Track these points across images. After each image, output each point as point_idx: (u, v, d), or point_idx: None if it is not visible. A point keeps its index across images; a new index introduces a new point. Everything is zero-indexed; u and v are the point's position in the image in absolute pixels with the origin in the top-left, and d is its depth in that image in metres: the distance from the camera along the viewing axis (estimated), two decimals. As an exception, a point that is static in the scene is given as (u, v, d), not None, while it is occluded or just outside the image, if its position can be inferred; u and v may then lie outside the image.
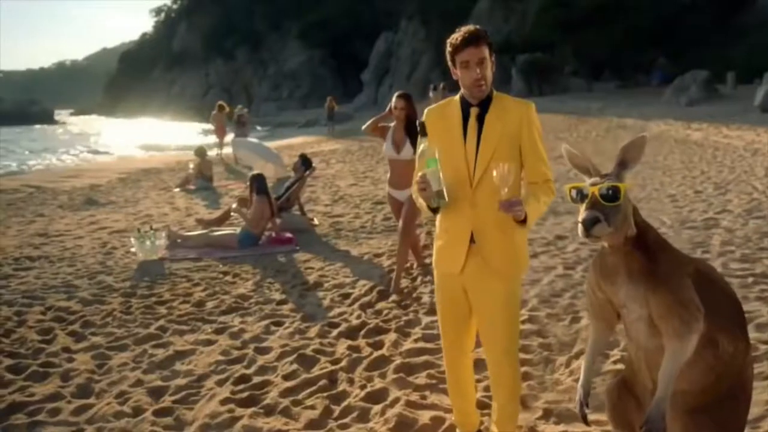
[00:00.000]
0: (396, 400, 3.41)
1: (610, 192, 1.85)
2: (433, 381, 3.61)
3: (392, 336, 4.35)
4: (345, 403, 3.45)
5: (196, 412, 3.48)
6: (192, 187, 12.69)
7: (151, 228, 7.35)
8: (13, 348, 4.56)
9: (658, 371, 1.91)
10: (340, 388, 3.65)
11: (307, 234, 7.81)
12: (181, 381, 3.88)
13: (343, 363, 3.96)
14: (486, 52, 2.45)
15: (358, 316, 4.75)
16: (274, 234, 7.41)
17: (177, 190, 12.75)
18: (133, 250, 7.06)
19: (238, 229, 7.39)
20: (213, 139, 20.80)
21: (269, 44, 63.81)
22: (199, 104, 65.10)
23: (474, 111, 2.52)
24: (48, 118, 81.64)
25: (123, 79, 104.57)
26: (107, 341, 4.61)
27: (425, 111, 2.69)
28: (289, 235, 7.45)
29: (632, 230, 1.92)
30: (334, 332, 4.50)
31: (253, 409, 3.45)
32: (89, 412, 3.56)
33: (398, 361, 3.94)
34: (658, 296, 1.88)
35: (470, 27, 2.47)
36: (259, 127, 39.42)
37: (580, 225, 1.84)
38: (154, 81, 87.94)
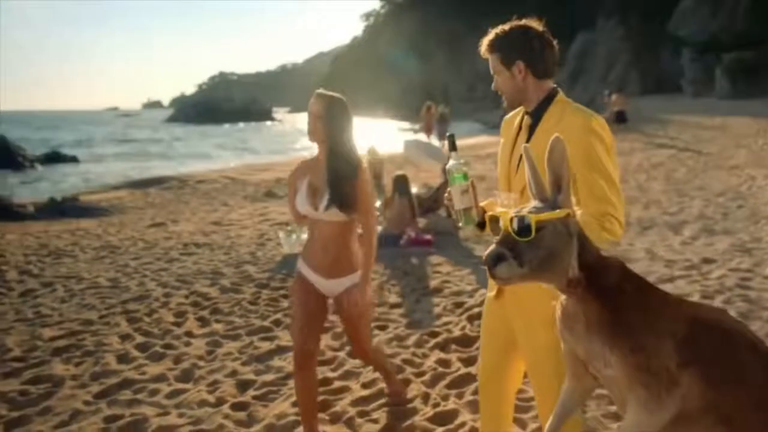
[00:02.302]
0: (461, 425, 3.13)
1: (522, 223, 1.42)
2: (509, 409, 3.25)
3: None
4: (409, 421, 3.24)
5: (269, 410, 3.50)
6: (362, 183, 13.07)
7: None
8: (149, 327, 4.96)
9: None
10: (412, 404, 3.44)
11: (449, 237, 7.60)
12: (269, 377, 3.93)
13: (427, 377, 3.75)
14: (496, 62, 2.15)
15: (462, 328, 4.48)
16: (413, 235, 7.32)
17: (349, 186, 13.23)
18: (281, 242, 7.39)
19: (380, 228, 7.42)
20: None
21: (466, 45, 63.99)
22: (399, 104, 67.35)
23: (525, 121, 2.20)
24: (267, 116, 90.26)
25: (334, 80, 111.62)
26: (225, 329, 4.84)
27: (504, 119, 2.37)
28: (428, 237, 7.31)
29: (573, 271, 1.47)
30: (431, 342, 4.29)
31: (319, 414, 3.37)
32: (180, 397, 3.74)
33: (483, 381, 3.62)
34: (617, 356, 1.45)
35: (489, 33, 2.16)
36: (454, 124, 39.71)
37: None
38: (360, 82, 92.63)
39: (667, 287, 4.99)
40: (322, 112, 2.79)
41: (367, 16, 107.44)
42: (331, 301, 2.99)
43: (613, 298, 1.49)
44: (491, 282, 2.29)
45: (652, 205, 8.95)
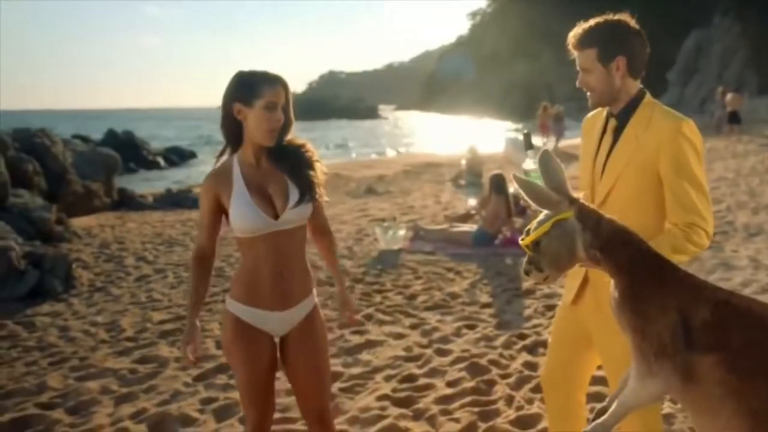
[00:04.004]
0: (543, 431, 3.06)
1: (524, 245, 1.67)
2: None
3: (579, 359, 3.91)
4: (491, 423, 3.21)
5: (354, 403, 3.57)
6: (462, 182, 13.05)
7: (394, 219, 7.73)
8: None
9: None
10: (496, 405, 3.41)
11: (547, 238, 7.43)
12: (356, 370, 4.01)
13: (512, 379, 3.70)
14: (591, 58, 2.01)
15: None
16: (509, 234, 7.20)
17: (449, 184, 13.24)
18: (378, 238, 7.49)
19: (475, 227, 7.36)
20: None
21: (575, 42, 61.92)
22: (502, 103, 66.35)
23: (611, 123, 2.10)
24: (372, 114, 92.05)
25: (438, 78, 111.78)
26: (318, 321, 4.98)
27: (584, 119, 2.29)
28: (524, 237, 7.18)
29: (583, 254, 1.63)
30: (519, 344, 4.22)
31: (403, 410, 3.42)
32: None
33: (570, 387, 3.53)
34: (625, 320, 1.57)
35: (580, 26, 2.04)
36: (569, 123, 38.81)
37: None
38: (463, 80, 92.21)
39: (780, 299, 4.64)
40: (285, 102, 2.16)
41: (474, 14, 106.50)
42: (276, 340, 2.29)
43: (628, 270, 1.60)
44: (568, 288, 2.25)
45: (761, 210, 8.34)
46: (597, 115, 2.20)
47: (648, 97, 2.06)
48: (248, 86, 2.11)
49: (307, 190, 2.20)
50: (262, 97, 2.09)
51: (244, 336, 2.22)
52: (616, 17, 2.05)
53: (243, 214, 2.14)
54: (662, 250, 1.74)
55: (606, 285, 2.02)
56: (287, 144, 2.23)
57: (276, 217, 2.16)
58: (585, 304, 2.16)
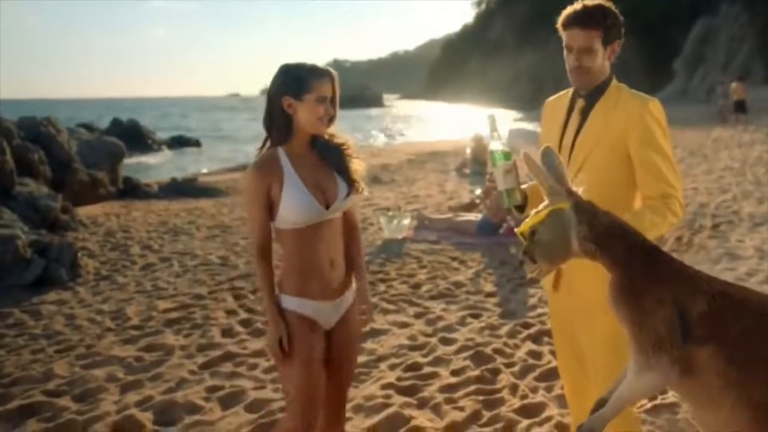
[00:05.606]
0: (548, 419, 3.08)
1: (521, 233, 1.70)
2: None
3: (584, 348, 3.92)
4: (495, 411, 3.23)
5: (359, 391, 3.58)
6: (467, 171, 13.03)
7: (399, 208, 7.73)
8: (252, 304, 5.21)
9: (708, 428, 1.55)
10: (500, 394, 3.42)
11: (552, 227, 7.43)
12: (361, 358, 3.99)
13: (516, 368, 3.72)
14: (595, 39, 2.00)
15: (557, 321, 4.39)
16: (513, 224, 7.19)
17: (453, 173, 13.22)
18: (383, 227, 7.50)
19: (480, 216, 7.36)
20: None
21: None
22: (508, 92, 66.03)
23: (579, 103, 2.12)
24: (378, 102, 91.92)
25: (443, 67, 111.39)
26: (323, 310, 4.99)
27: (546, 102, 2.32)
28: (529, 226, 7.17)
29: (577, 246, 1.64)
30: (524, 333, 4.23)
31: (407, 398, 3.43)
32: (276, 373, 3.89)
33: (574, 376, 3.54)
34: (622, 314, 1.57)
35: (581, 4, 2.01)
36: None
37: None
38: (470, 69, 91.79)
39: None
40: (333, 94, 2.19)
41: (479, 2, 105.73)
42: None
43: (624, 263, 1.60)
44: (548, 276, 2.22)
45: (767, 200, 8.30)
46: (559, 98, 2.23)
47: (615, 80, 2.11)
48: (298, 80, 2.12)
49: (353, 181, 2.23)
50: (312, 91, 2.11)
51: (303, 329, 2.17)
52: (605, 2, 2.05)
53: (298, 204, 2.13)
54: (644, 222, 1.81)
55: (578, 273, 2.04)
56: (330, 139, 2.25)
57: (327, 206, 2.18)
58: (562, 290, 2.18)
